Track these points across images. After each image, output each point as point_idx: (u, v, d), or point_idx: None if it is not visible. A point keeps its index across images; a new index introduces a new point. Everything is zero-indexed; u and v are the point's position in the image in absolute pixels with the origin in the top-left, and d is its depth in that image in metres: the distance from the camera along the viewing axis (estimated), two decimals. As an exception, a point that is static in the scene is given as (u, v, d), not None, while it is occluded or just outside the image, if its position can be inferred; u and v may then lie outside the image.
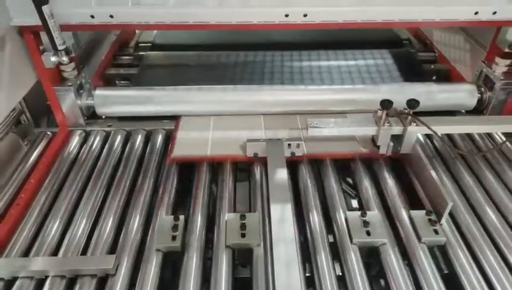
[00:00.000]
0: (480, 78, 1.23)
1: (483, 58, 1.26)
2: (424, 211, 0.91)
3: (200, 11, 0.99)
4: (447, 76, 1.51)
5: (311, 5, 0.98)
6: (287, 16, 0.99)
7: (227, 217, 0.91)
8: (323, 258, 0.84)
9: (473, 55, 1.40)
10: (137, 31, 1.89)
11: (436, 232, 0.87)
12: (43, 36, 1.04)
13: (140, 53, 1.63)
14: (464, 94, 1.23)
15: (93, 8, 0.97)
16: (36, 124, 1.29)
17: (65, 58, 1.02)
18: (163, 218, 0.91)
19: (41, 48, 1.05)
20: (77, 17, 0.98)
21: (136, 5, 0.98)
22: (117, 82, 1.56)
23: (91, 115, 1.25)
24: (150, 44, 1.69)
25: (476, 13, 1.00)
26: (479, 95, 1.22)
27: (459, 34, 1.49)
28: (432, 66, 1.55)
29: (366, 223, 0.88)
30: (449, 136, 1.16)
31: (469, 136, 1.17)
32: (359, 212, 0.91)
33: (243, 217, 0.90)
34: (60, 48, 0.98)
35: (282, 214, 0.85)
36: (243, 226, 0.87)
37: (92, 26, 1.00)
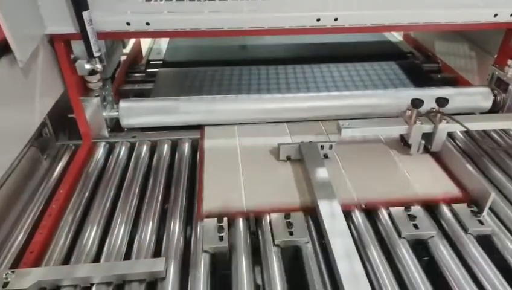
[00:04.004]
0: (493, 81, 1.29)
1: (488, 63, 1.32)
2: (465, 204, 0.93)
3: (235, 17, 1.01)
4: (454, 83, 1.58)
5: (341, 9, 1.03)
6: (318, 20, 1.02)
7: (272, 216, 0.90)
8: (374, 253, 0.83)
9: (479, 62, 1.47)
10: (144, 51, 1.92)
11: (481, 222, 0.88)
12: (74, 45, 1.04)
13: (153, 70, 1.65)
14: (479, 97, 1.28)
15: (129, 16, 0.98)
16: (55, 137, 1.26)
17: (99, 66, 1.02)
18: (207, 220, 0.90)
19: (72, 56, 1.04)
20: (113, 25, 0.99)
21: (172, 13, 1.00)
22: (130, 98, 1.56)
23: (113, 128, 1.24)
24: (161, 61, 1.71)
25: (495, 15, 1.06)
26: (493, 97, 1.27)
27: (460, 43, 1.56)
28: (439, 76, 1.62)
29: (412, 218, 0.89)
30: (470, 136, 1.20)
31: (488, 135, 1.21)
32: (402, 208, 0.92)
33: (287, 216, 0.89)
34: (96, 54, 0.98)
35: (332, 210, 0.85)
36: (289, 224, 0.87)
37: (127, 34, 1.00)
